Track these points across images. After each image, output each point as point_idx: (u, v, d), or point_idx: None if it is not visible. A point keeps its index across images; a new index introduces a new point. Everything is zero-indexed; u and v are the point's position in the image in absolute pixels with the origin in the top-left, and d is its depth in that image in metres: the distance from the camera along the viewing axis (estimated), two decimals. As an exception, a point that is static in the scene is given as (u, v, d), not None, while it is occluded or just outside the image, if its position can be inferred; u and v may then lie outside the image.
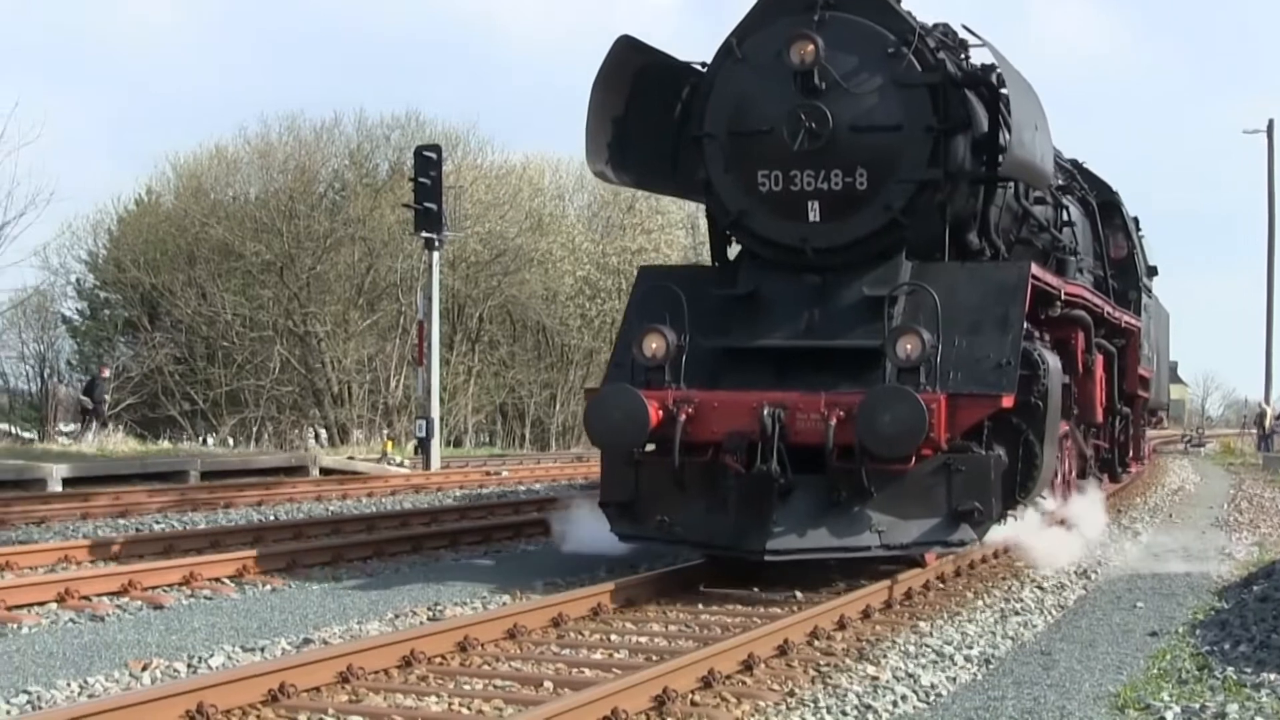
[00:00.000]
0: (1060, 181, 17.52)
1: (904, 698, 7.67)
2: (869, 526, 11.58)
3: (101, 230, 49.17)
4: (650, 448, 12.10)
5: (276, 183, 47.83)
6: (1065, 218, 16.91)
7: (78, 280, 48.79)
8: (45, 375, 46.69)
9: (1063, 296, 13.92)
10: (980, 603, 11.40)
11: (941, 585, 12.22)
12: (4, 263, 67.11)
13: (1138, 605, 11.43)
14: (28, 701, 7.43)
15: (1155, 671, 8.49)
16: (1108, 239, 20.25)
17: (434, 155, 28.57)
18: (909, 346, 11.58)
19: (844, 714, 7.28)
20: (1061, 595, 12.04)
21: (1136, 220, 22.26)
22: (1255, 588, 11.53)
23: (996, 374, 11.87)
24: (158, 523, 16.99)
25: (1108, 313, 16.68)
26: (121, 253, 47.96)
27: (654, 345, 12.07)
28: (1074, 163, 20.00)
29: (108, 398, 38.15)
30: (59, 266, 48.21)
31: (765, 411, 11.48)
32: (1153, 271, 22.87)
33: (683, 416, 11.72)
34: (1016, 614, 10.81)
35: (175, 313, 46.81)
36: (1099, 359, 16.03)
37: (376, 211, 46.68)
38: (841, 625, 9.87)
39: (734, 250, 13.49)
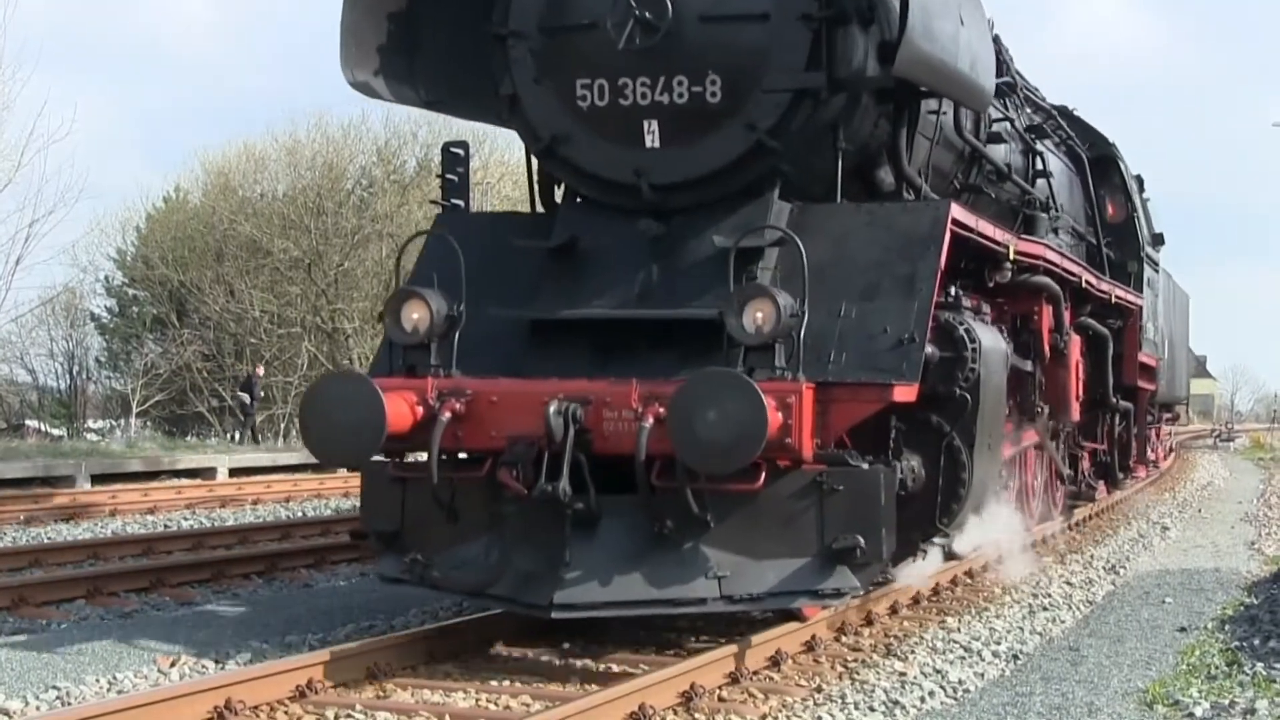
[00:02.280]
0: (1037, 121, 13.22)
1: (931, 693, 7.31)
2: (705, 570, 7.53)
3: (130, 228, 46.52)
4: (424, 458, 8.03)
5: (304, 180, 45.15)
6: (1040, 166, 12.66)
7: (106, 277, 46.15)
8: (74, 372, 44.15)
9: (1012, 255, 9.68)
10: (1008, 598, 10.42)
11: (969, 581, 10.99)
12: (33, 260, 64.31)
13: (1166, 601, 10.61)
14: (57, 697, 7.12)
15: (1184, 667, 8.10)
16: (1102, 199, 15.95)
17: (461, 152, 24.71)
18: (759, 316, 7.48)
19: (871, 709, 6.95)
20: (1090, 591, 11.08)
21: (1140, 180, 17.76)
22: (1285, 583, 10.82)
23: (894, 355, 7.79)
24: (186, 519, 16.44)
25: (1089, 283, 12.36)
26: (150, 250, 45.22)
27: (415, 316, 8.04)
28: (1062, 109, 15.69)
29: (261, 394, 37.25)
30: (88, 264, 45.64)
31: (553, 409, 7.42)
32: (1158, 240, 18.32)
33: (446, 414, 7.67)
34: (1044, 609, 10.03)
35: (203, 310, 44.24)
36: (1075, 341, 11.77)
37: (404, 208, 43.52)
38: (869, 621, 9.05)
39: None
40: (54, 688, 7.25)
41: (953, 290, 8.84)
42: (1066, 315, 11.69)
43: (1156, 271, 17.52)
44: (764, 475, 7.36)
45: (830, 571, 7.54)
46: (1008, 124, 11.75)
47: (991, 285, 10.07)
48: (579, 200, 8.83)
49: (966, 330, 8.51)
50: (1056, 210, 12.75)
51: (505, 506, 7.57)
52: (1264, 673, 7.73)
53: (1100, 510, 16.61)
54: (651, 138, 8.35)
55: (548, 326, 8.36)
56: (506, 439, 7.59)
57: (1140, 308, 15.41)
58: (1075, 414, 11.88)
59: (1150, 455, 19.34)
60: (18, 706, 6.92)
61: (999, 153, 11.39)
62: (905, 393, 7.67)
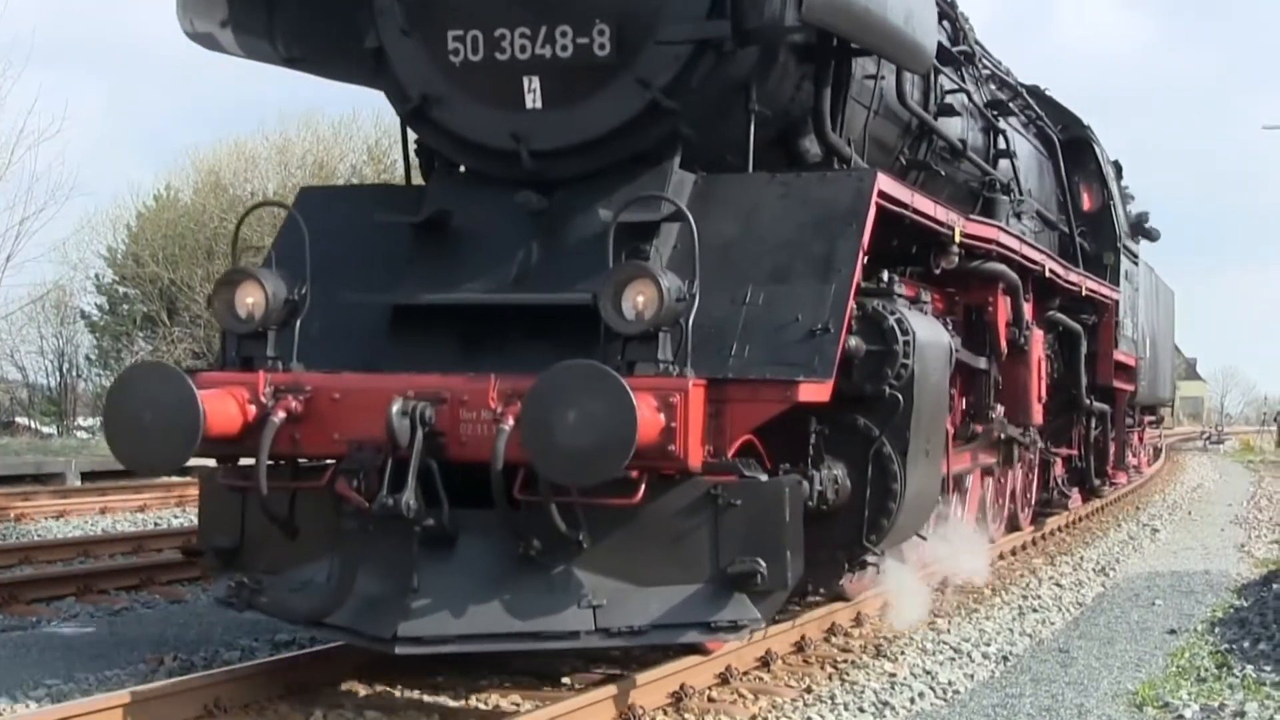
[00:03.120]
0: (1002, 98, 11.88)
1: (921, 694, 7.12)
2: (578, 598, 6.24)
3: (121, 225, 45.35)
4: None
5: (295, 178, 43.57)
6: (1003, 145, 11.32)
7: (97, 275, 45.03)
8: (64, 370, 43.01)
9: (959, 238, 8.36)
10: (998, 599, 10.21)
11: (959, 582, 10.41)
12: (24, 258, 62.79)
13: (1156, 603, 10.44)
14: (46, 694, 6.80)
15: (1174, 669, 7.97)
16: (1075, 186, 14.61)
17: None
18: (639, 300, 6.17)
19: (861, 710, 6.74)
20: (1080, 593, 10.84)
21: (1118, 166, 16.33)
22: (1275, 585, 10.75)
23: (804, 348, 6.49)
24: (176, 517, 15.94)
25: (1054, 273, 11.00)
26: (140, 248, 44.05)
27: (249, 300, 6.72)
28: (1033, 88, 14.33)
29: None
30: (78, 261, 44.45)
31: (395, 408, 6.12)
32: (1139, 229, 16.84)
33: (280, 414, 6.38)
34: (1034, 611, 9.84)
35: (194, 308, 42.92)
36: (1037, 337, 10.44)
37: (394, 206, 42.38)
38: (859, 622, 8.80)
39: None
40: (44, 684, 6.93)
41: (885, 275, 7.53)
42: (1028, 308, 10.38)
43: (1136, 264, 16.10)
44: (644, 488, 6.07)
45: (725, 600, 6.24)
46: (964, 97, 10.42)
47: (938, 272, 8.77)
48: (451, 169, 7.52)
49: (898, 321, 7.20)
50: (1020, 194, 11.42)
51: (346, 522, 6.27)
52: (1253, 675, 7.54)
53: (1072, 520, 15.56)
54: (532, 97, 7.05)
55: (411, 314, 7.05)
56: (348, 443, 6.31)
57: (1116, 302, 14.03)
58: (1037, 416, 10.54)
59: (1131, 461, 17.93)
60: (6, 704, 6.60)
61: (953, 127, 10.07)
62: (815, 391, 6.37)
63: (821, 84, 7.65)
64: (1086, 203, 14.91)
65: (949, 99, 9.83)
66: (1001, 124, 11.42)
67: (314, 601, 6.38)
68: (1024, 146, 12.67)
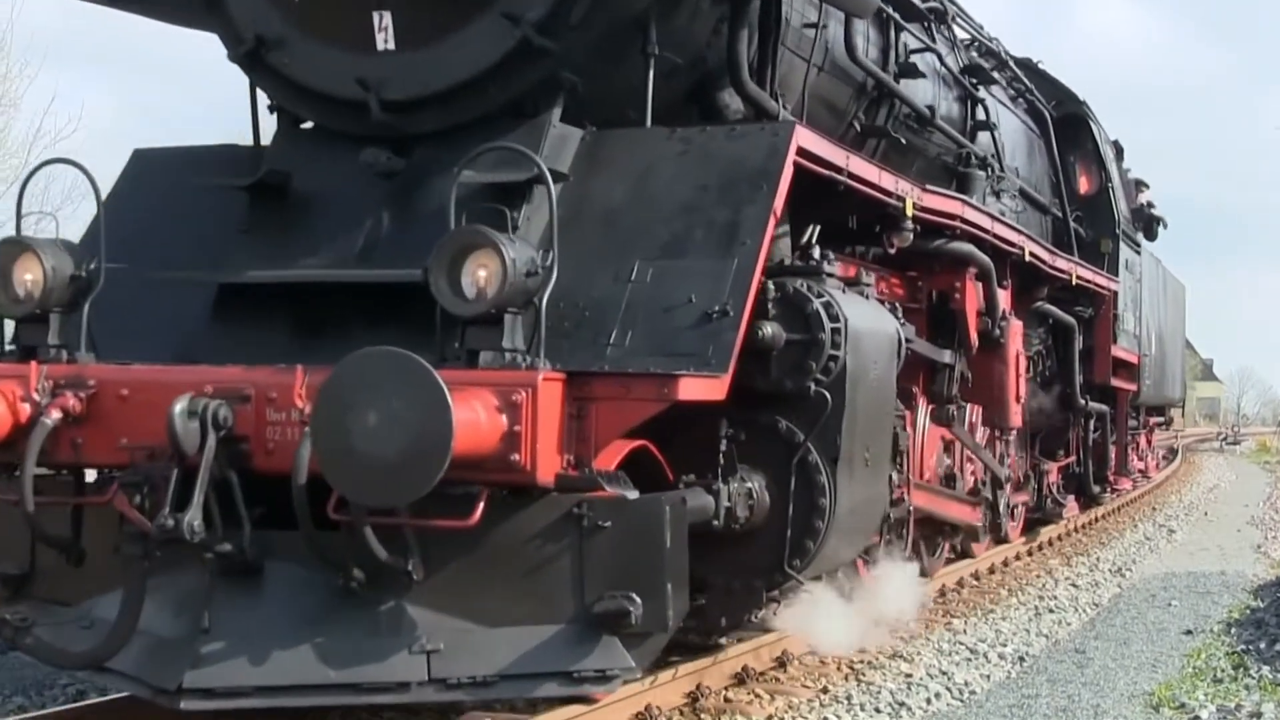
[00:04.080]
0: (983, 64, 10.51)
1: (938, 695, 6.92)
2: (409, 642, 4.94)
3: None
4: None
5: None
6: (982, 116, 9.98)
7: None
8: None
9: (910, 211, 7.04)
10: (1014, 600, 10.02)
11: (976, 583, 10.43)
12: None
13: (1172, 603, 10.29)
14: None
15: (1190, 670, 7.79)
16: (1071, 167, 13.19)
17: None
18: (480, 275, 4.88)
19: (877, 711, 6.55)
20: (1096, 593, 10.63)
21: (1118, 147, 14.83)
22: (1291, 588, 10.59)
23: (697, 335, 5.21)
24: None
25: (1036, 257, 9.61)
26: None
27: (27, 277, 5.46)
28: (1025, 61, 12.94)
29: None
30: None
31: (178, 408, 4.85)
32: (1141, 216, 15.32)
33: (55, 414, 5.11)
34: (1051, 612, 9.64)
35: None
36: (1015, 328, 9.07)
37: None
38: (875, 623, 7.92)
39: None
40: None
41: (816, 252, 6.23)
42: (1004, 296, 9.03)
43: (1138, 253, 14.65)
44: (481, 506, 4.78)
45: (591, 644, 4.94)
46: (933, 59, 9.09)
47: (893, 251, 7.46)
48: (295, 124, 6.23)
49: (825, 305, 5.88)
50: (1001, 170, 10.06)
51: (128, 546, 5.00)
52: (1270, 676, 7.39)
53: (1085, 523, 14.44)
54: (383, 36, 5.76)
55: (239, 295, 5.78)
56: (132, 450, 5.05)
57: (1114, 293, 12.60)
58: (1015, 418, 9.18)
59: (1137, 465, 16.47)
60: None
61: (919, 92, 8.72)
62: (704, 388, 5.05)
63: (738, 24, 6.33)
64: (1083, 185, 13.49)
65: (914, 59, 8.49)
66: (982, 93, 10.06)
67: (91, 642, 5.11)
68: (1010, 120, 11.29)
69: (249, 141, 6.59)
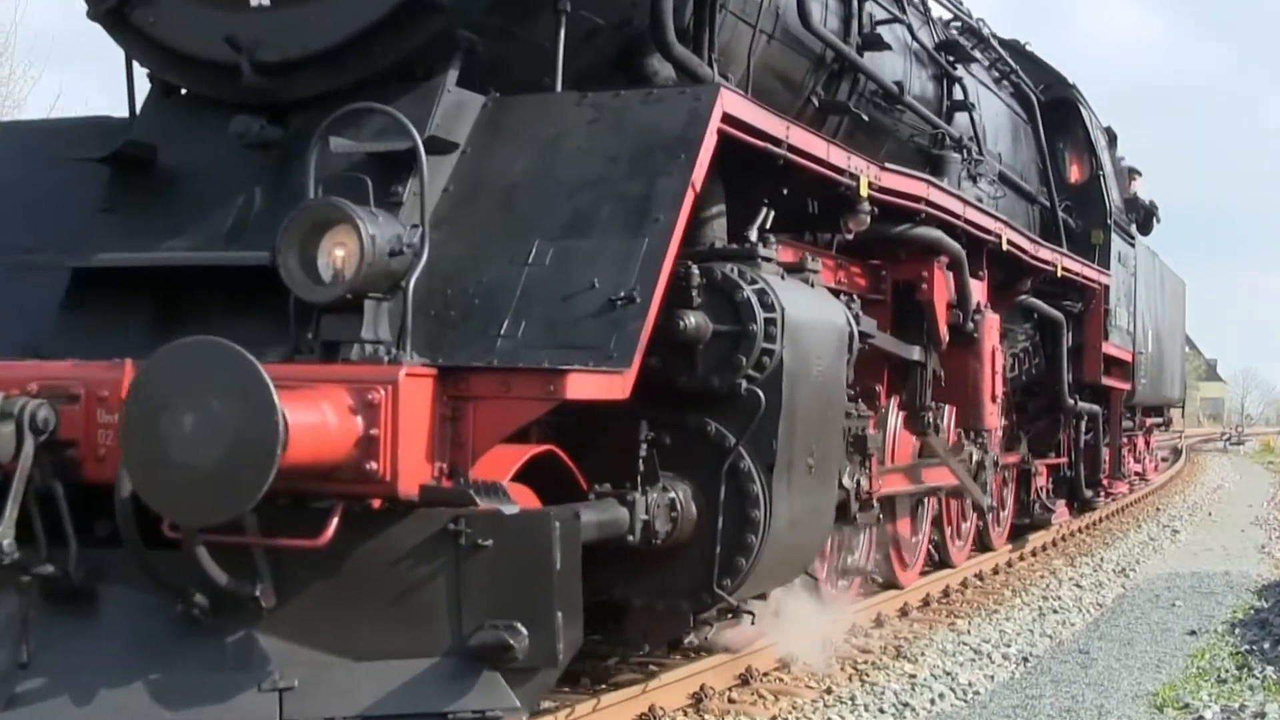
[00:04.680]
0: (961, 41, 9.76)
1: (941, 695, 6.80)
2: (259, 678, 4.21)
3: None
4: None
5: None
6: (959, 96, 9.25)
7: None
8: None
9: (866, 191, 6.31)
10: (1018, 601, 9.80)
11: (979, 583, 10.32)
12: None
13: (1176, 604, 10.09)
14: None
15: (1194, 670, 7.65)
16: (1060, 154, 12.43)
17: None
18: (337, 255, 4.18)
19: (881, 711, 6.42)
20: (1100, 594, 10.49)
21: (1111, 133, 14.01)
22: (1295, 588, 10.46)
23: (598, 324, 4.50)
24: None
25: (1014, 245, 8.85)
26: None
27: None
28: (1012, 43, 12.18)
29: None
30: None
31: None
32: (1135, 206, 14.49)
33: None
34: (1055, 612, 9.42)
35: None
36: (990, 322, 8.32)
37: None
38: (879, 623, 8.24)
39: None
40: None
41: (753, 234, 5.51)
42: (979, 287, 8.30)
43: (1132, 246, 13.83)
44: (334, 522, 4.08)
45: (470, 681, 4.22)
46: (903, 32, 8.36)
47: (849, 236, 6.75)
48: (166, 92, 5.51)
49: (758, 292, 5.16)
50: (980, 153, 9.32)
51: (-61, 570, 4.31)
52: (1274, 676, 7.29)
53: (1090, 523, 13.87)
54: (258, -11, 5.08)
55: (95, 281, 5.07)
56: (-54, 458, 4.34)
57: (1105, 287, 11.83)
58: (990, 419, 8.43)
59: (1134, 467, 15.66)
60: None
61: (886, 66, 7.98)
62: (599, 385, 4.34)
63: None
64: (1074, 174, 12.71)
65: (880, 30, 7.76)
66: (959, 72, 9.33)
67: None
68: (992, 103, 10.55)
69: None
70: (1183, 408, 22.19)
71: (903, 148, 8.51)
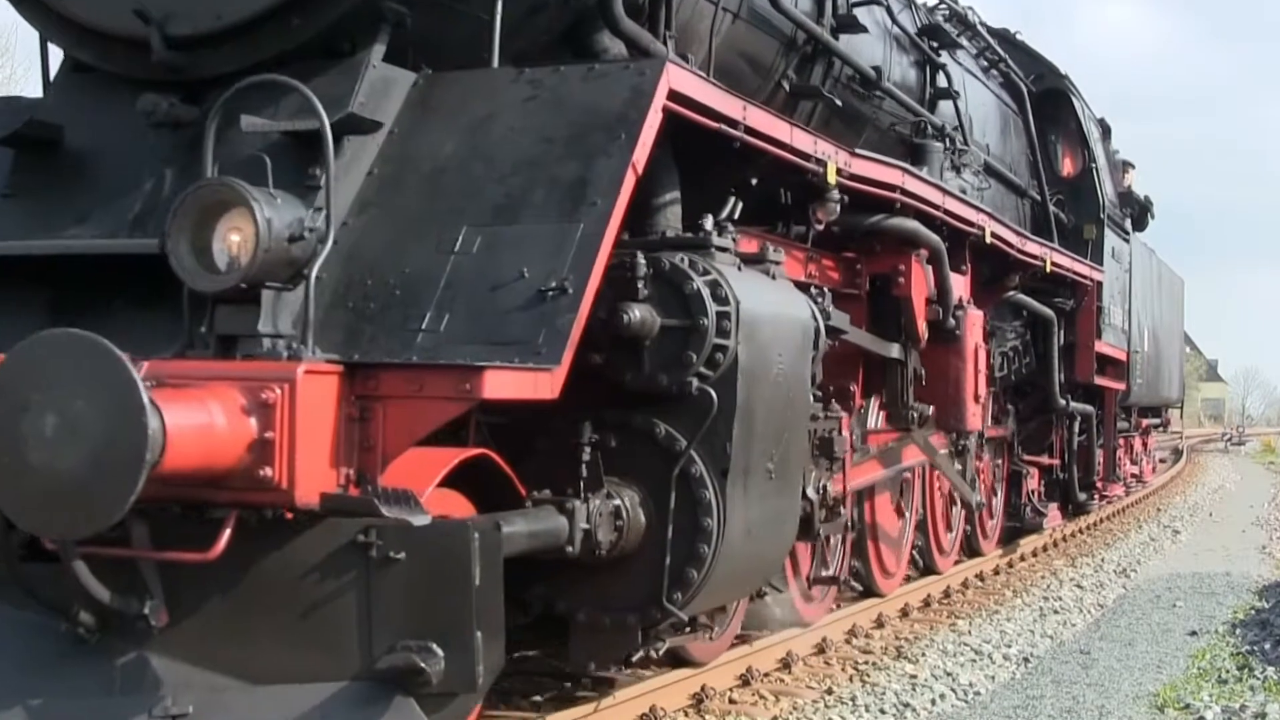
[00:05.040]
0: (946, 26, 9.35)
1: (942, 696, 6.77)
2: (150, 704, 3.84)
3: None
4: None
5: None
6: (943, 84, 8.85)
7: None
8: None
9: (834, 178, 5.92)
10: (1019, 601, 9.70)
11: (980, 584, 10.22)
12: None
13: (1177, 604, 10.03)
14: None
15: (1195, 671, 7.63)
16: (1052, 147, 12.02)
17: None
18: (235, 240, 3.81)
19: (882, 712, 6.40)
20: (1101, 594, 10.41)
21: (1104, 125, 13.56)
22: (1296, 589, 10.34)
23: (526, 317, 4.10)
24: None
25: (999, 238, 8.43)
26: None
27: None
28: (1002, 32, 11.76)
29: None
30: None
31: None
32: (1129, 200, 14.01)
33: None
34: (1055, 613, 9.36)
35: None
36: (973, 318, 7.91)
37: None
38: (880, 624, 8.23)
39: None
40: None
41: (708, 223, 5.12)
42: (962, 282, 7.90)
43: (1126, 241, 13.37)
44: (226, 534, 3.70)
45: (380, 706, 3.83)
46: (882, 15, 7.96)
47: (819, 227, 6.36)
48: (77, 68, 5.12)
49: (711, 284, 4.78)
50: (966, 143, 8.91)
51: None
52: (1275, 677, 7.26)
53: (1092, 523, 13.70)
54: (167, -43, 4.69)
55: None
56: None
57: (1098, 283, 11.40)
58: (973, 420, 8.02)
59: (1130, 469, 15.22)
60: None
61: (863, 50, 7.59)
62: (522, 383, 3.94)
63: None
64: (1066, 167, 12.28)
65: (856, 12, 7.37)
66: (943, 59, 8.92)
67: None
68: (980, 93, 10.13)
69: None
70: (1181, 408, 21.70)
71: (884, 137, 8.12)
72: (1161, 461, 23.76)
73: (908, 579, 9.13)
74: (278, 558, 3.84)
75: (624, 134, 4.43)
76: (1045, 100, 11.91)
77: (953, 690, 6.90)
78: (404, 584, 3.81)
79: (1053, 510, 11.75)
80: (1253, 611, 9.65)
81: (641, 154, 4.43)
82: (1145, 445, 16.91)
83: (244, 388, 3.61)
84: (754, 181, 6.29)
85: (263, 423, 3.60)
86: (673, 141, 5.27)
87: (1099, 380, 11.88)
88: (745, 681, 6.51)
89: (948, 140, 8.35)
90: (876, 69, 7.65)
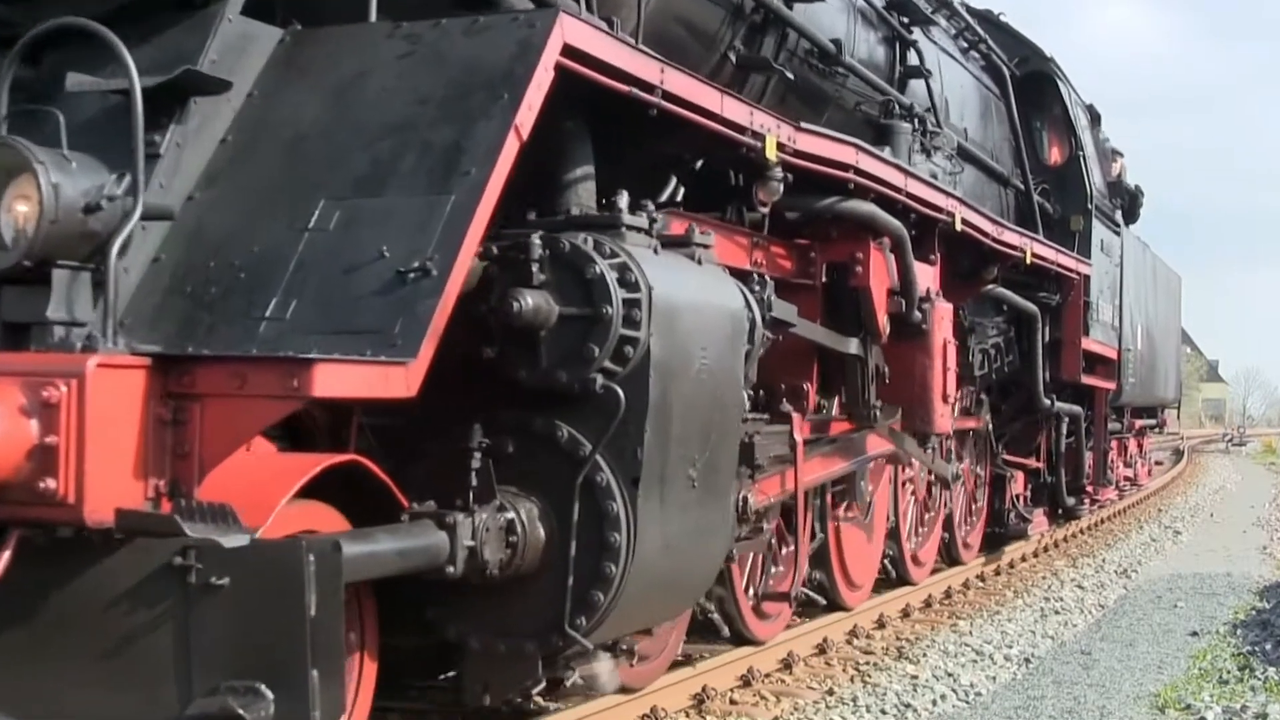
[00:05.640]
0: (921, 4, 8.73)
1: (943, 696, 6.71)
2: None
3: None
4: None
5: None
6: (914, 62, 8.24)
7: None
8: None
9: (774, 154, 5.32)
10: (1020, 602, 9.65)
11: (981, 584, 10.13)
12: None
13: (1178, 605, 9.95)
14: None
15: (1196, 671, 7.56)
16: (1037, 134, 11.40)
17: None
18: (21, 210, 3.25)
19: (883, 712, 6.34)
20: (1102, 595, 10.30)
21: (1094, 112, 12.81)
22: (1297, 589, 10.27)
23: (382, 303, 3.51)
24: None
25: (970, 225, 7.79)
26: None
27: None
28: (984, 13, 11.13)
29: None
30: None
31: None
32: (1119, 190, 13.35)
33: None
34: (1057, 613, 9.30)
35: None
36: (941, 312, 7.29)
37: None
38: (881, 624, 8.19)
39: None
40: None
41: (623, 200, 4.53)
42: (929, 272, 7.29)
43: (1117, 234, 12.71)
44: (6, 555, 3.12)
45: None
46: (842, -20, 7.37)
47: (764, 210, 5.78)
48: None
49: (618, 267, 4.20)
50: (938, 125, 8.30)
51: None
52: (1276, 677, 7.22)
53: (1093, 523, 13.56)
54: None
55: None
56: None
57: (1085, 277, 10.77)
58: (941, 421, 7.38)
59: (1124, 472, 14.55)
60: None
61: (823, 22, 6.97)
62: (366, 379, 3.35)
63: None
64: (1052, 155, 11.63)
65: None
66: (915, 35, 8.31)
67: None
68: (957, 74, 9.50)
69: None
70: (1178, 409, 21.03)
71: (849, 117, 7.52)
72: (1158, 464, 23.16)
73: (878, 591, 8.55)
74: (81, 583, 3.26)
75: (507, 94, 3.85)
76: (1029, 84, 11.27)
77: (954, 691, 6.84)
78: (228, 614, 3.22)
79: (1038, 516, 11.15)
80: (1253, 612, 9.59)
81: (527, 116, 3.85)
82: (1140, 447, 16.27)
83: (25, 384, 3.03)
84: (692, 161, 5.75)
85: (44, 426, 3.02)
86: (590, 112, 4.72)
87: (1087, 379, 11.25)
88: (746, 682, 6.45)
89: (916, 121, 7.74)
90: (837, 42, 7.05)
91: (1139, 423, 15.13)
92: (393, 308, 3.50)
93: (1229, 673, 7.46)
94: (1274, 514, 18.62)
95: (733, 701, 6.28)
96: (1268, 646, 8.17)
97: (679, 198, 6.08)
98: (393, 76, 4.00)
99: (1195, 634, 8.73)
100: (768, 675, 6.71)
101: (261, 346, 3.48)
